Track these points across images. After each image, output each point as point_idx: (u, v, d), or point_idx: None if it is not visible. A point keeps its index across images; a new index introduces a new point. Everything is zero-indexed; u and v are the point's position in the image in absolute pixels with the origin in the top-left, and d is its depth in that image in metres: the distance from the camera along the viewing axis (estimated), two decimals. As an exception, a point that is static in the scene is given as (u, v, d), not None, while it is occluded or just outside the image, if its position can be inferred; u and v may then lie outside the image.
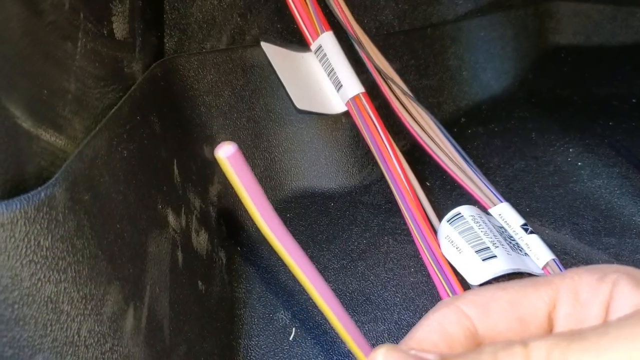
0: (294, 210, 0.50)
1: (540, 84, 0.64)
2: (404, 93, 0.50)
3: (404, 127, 0.50)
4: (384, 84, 0.50)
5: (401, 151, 0.56)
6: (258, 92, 0.49)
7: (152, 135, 0.37)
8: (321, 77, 0.50)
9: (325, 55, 0.49)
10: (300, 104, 0.48)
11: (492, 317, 0.20)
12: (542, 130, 0.57)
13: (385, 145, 0.47)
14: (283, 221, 0.49)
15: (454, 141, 0.49)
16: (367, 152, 0.53)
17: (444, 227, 0.44)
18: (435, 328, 0.20)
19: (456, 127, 0.59)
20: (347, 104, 0.49)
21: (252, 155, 0.49)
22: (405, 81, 0.52)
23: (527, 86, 0.63)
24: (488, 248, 0.42)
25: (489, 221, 0.44)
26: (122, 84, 0.36)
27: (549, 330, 0.21)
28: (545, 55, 0.67)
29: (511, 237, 0.44)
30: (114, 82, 0.35)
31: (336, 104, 0.50)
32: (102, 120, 0.32)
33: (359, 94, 0.48)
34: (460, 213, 0.44)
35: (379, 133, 0.47)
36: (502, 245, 0.42)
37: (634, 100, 0.60)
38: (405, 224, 0.46)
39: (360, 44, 0.50)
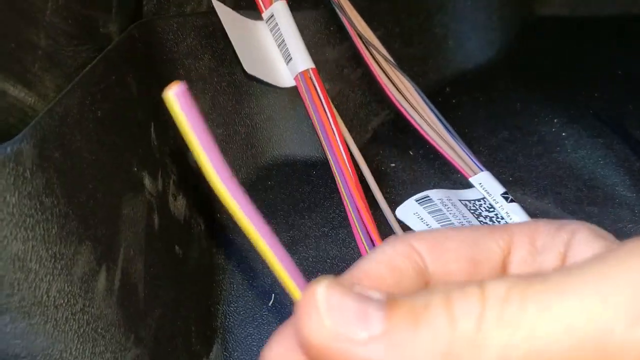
0: (276, 178, 0.49)
1: (525, 55, 0.63)
2: (387, 61, 0.50)
3: (387, 96, 0.49)
4: (366, 51, 0.50)
5: (385, 120, 0.56)
6: (239, 56, 0.48)
7: (128, 96, 0.36)
8: (272, 48, 0.48)
9: (277, 25, 0.47)
10: (250, 69, 0.47)
11: (444, 255, 0.19)
12: (526, 100, 0.57)
13: (331, 126, 0.45)
14: (263, 189, 0.49)
15: (436, 110, 0.48)
16: (351, 120, 0.53)
17: (412, 205, 0.44)
18: (384, 260, 0.19)
19: (441, 96, 0.58)
20: (295, 78, 0.47)
21: (232, 121, 0.48)
22: (390, 49, 0.52)
23: (513, 56, 0.63)
24: None
25: (460, 201, 0.44)
26: (97, 44, 0.35)
27: (502, 275, 0.20)
28: (531, 25, 0.66)
29: (491, 206, 0.44)
30: (87, 41, 0.34)
31: (286, 77, 0.48)
32: (75, 78, 0.31)
33: (308, 69, 0.47)
34: (428, 196, 0.44)
35: (325, 111, 0.46)
36: (471, 225, 0.42)
37: (619, 72, 0.59)
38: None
39: (342, 9, 0.49)
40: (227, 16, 0.47)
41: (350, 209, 0.42)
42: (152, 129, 0.38)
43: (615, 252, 0.16)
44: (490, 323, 0.15)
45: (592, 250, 0.18)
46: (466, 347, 0.15)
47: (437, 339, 0.15)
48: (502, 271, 0.20)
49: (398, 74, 0.49)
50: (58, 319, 0.25)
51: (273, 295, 0.40)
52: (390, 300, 0.16)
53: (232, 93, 0.48)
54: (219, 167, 0.18)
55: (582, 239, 0.18)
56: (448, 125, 0.48)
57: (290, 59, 0.47)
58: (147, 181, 0.35)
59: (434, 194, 0.44)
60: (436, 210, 0.43)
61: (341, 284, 0.17)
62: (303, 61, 0.47)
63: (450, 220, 0.42)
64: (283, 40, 0.47)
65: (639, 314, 0.14)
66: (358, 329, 0.16)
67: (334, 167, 0.44)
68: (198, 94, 0.46)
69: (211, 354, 0.37)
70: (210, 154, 0.18)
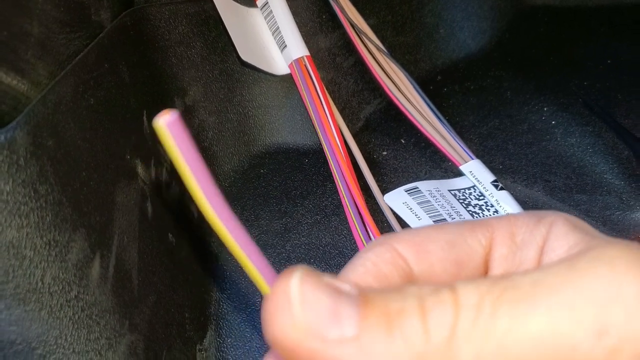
0: (268, 166, 0.50)
1: (516, 44, 0.63)
2: (379, 49, 0.50)
3: (379, 84, 0.49)
4: (358, 40, 0.50)
5: (376, 109, 0.56)
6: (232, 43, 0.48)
7: (120, 84, 0.36)
8: (266, 35, 0.48)
9: (271, 12, 0.47)
10: (244, 56, 0.47)
11: (429, 258, 0.19)
12: (517, 89, 0.57)
13: (325, 113, 0.45)
14: (256, 177, 0.49)
15: (427, 99, 0.49)
16: (343, 109, 0.53)
17: (401, 194, 0.44)
18: (370, 269, 0.19)
19: (432, 85, 0.58)
20: (290, 65, 0.48)
21: (224, 109, 0.48)
22: (382, 38, 0.52)
23: (504, 45, 0.63)
24: (445, 220, 0.42)
25: (449, 192, 0.44)
26: (89, 32, 0.35)
27: (484, 273, 0.20)
28: (522, 14, 0.66)
29: (481, 194, 0.44)
30: (80, 29, 0.34)
31: (281, 65, 0.48)
32: (68, 66, 0.31)
33: (303, 56, 0.47)
34: (417, 187, 0.44)
35: (320, 99, 0.46)
36: (460, 216, 0.43)
37: (609, 61, 0.60)
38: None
39: (335, -3, 0.49)
40: (222, 3, 0.47)
41: (344, 194, 0.43)
42: (145, 117, 0.38)
43: (583, 256, 0.16)
44: (463, 333, 0.15)
45: (568, 244, 0.18)
46: (438, 359, 0.15)
47: (410, 350, 0.15)
48: (484, 267, 0.20)
49: (390, 62, 0.50)
50: (53, 305, 0.26)
51: (266, 282, 0.40)
52: (364, 298, 0.16)
53: (224, 81, 0.48)
54: (212, 197, 0.17)
55: (559, 232, 0.19)
56: (439, 114, 0.48)
57: (285, 46, 0.47)
58: (140, 169, 0.35)
59: (423, 185, 0.45)
60: (425, 202, 0.43)
61: (315, 274, 0.16)
62: (298, 49, 0.47)
63: (438, 212, 0.43)
64: (277, 28, 0.47)
65: (604, 327, 0.15)
66: (331, 327, 0.15)
67: (328, 154, 0.44)
68: (190, 81, 0.46)
69: (205, 340, 0.37)
70: (202, 182, 0.17)
